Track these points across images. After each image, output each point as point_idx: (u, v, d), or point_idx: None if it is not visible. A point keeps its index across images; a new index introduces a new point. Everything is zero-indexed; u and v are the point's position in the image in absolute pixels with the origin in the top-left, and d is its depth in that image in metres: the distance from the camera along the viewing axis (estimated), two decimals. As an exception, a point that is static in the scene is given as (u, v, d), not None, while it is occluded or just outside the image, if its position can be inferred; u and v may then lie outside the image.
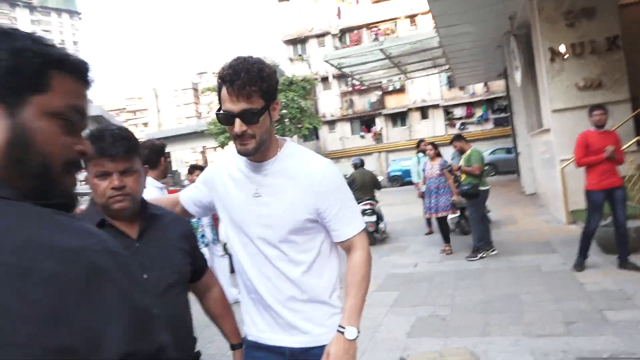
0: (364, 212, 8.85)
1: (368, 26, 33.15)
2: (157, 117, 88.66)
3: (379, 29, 32.43)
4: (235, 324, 1.79)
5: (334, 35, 33.81)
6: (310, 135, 32.98)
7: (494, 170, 24.01)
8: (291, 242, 1.57)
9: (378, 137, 33.42)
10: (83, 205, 1.70)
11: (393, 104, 33.19)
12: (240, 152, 1.52)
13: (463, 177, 6.95)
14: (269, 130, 1.52)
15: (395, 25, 32.33)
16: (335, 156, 31.93)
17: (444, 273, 6.23)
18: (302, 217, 1.55)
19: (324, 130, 34.09)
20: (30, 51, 0.72)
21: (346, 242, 1.64)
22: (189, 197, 1.82)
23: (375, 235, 8.91)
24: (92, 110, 8.82)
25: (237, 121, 1.45)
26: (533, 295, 4.86)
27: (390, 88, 32.12)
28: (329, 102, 34.13)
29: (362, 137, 34.02)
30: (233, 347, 1.80)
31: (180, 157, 46.86)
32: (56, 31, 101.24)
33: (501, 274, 5.81)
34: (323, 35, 34.10)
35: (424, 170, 7.75)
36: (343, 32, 33.75)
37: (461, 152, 7.10)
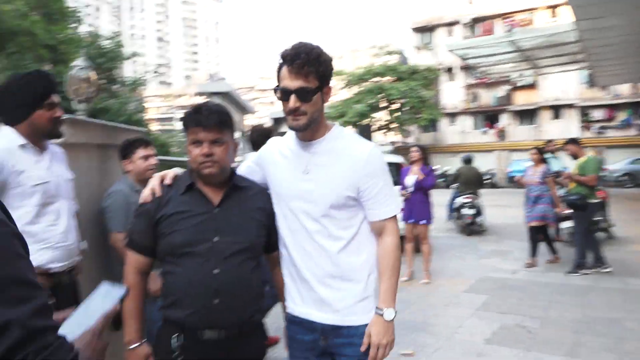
0: (463, 205, 9.48)
1: (502, 16, 31.03)
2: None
3: (514, 20, 30.25)
4: None
5: (464, 25, 32.31)
6: (429, 126, 32.10)
7: (632, 182, 21.71)
8: (332, 217, 1.67)
9: (501, 134, 31.52)
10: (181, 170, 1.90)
11: (522, 100, 30.90)
12: (291, 127, 1.66)
13: (571, 185, 6.35)
14: (320, 110, 1.65)
15: (533, 15, 29.94)
16: (453, 150, 30.72)
17: (543, 284, 5.83)
18: (344, 193, 1.65)
19: (443, 123, 32.85)
20: None
21: (379, 223, 1.71)
22: (242, 173, 1.95)
23: (473, 228, 9.45)
24: (222, 87, 9.68)
25: (292, 97, 1.58)
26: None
27: (520, 83, 29.92)
28: (452, 93, 32.76)
29: (484, 132, 32.27)
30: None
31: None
32: (201, 11, 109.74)
33: (609, 295, 5.31)
34: (453, 24, 32.66)
35: (524, 174, 7.11)
36: (474, 21, 32.10)
37: (574, 157, 6.44)
